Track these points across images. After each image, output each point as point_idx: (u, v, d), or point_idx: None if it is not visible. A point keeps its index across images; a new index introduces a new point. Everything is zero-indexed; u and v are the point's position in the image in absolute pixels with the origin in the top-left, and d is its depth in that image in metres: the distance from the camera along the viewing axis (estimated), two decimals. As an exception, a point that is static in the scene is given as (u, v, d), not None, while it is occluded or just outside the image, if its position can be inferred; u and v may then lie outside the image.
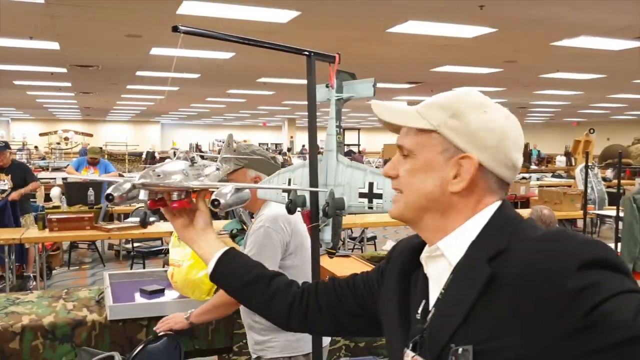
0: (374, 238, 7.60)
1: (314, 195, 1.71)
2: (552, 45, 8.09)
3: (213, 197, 1.21)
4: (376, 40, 7.83)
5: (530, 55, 9.15)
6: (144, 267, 6.78)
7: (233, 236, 3.59)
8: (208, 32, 1.45)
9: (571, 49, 8.28)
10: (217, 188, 1.24)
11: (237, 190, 1.28)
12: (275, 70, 11.19)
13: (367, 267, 3.40)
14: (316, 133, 1.77)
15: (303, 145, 28.71)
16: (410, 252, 1.10)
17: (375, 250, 7.42)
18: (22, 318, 2.75)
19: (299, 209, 1.79)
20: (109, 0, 5.86)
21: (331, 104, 1.81)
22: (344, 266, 3.38)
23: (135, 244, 7.28)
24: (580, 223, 9.10)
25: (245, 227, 3.58)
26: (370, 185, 1.65)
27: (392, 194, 1.09)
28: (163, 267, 5.73)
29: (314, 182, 1.71)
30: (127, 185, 1.16)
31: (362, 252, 6.16)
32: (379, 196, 1.64)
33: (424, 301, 1.01)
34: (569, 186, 9.56)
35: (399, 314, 1.06)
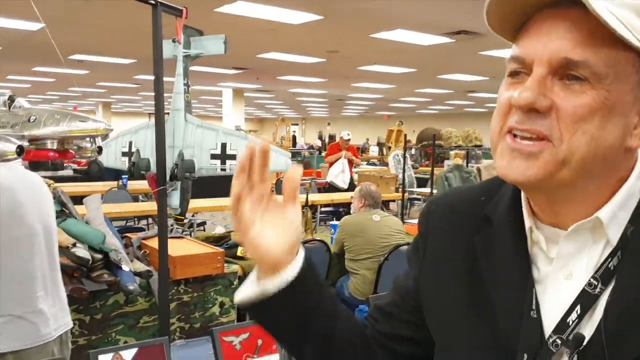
0: (203, 224, 7.45)
1: (161, 158, 1.58)
2: (372, 37, 8.60)
3: None
4: (202, 20, 7.59)
5: (351, 46, 9.63)
6: None
7: (51, 219, 3.25)
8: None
9: (388, 41, 8.89)
10: None
11: None
12: (90, 47, 10.31)
13: (204, 247, 3.28)
14: (163, 91, 1.63)
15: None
16: (468, 216, 0.81)
17: (205, 235, 7.26)
18: None
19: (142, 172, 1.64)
20: None
21: (178, 60, 1.68)
22: (180, 247, 3.22)
23: None
24: (392, 205, 9.91)
25: (64, 209, 3.29)
26: (223, 146, 1.55)
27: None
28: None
29: (161, 143, 1.58)
30: None
31: (191, 236, 5.98)
32: (233, 157, 1.56)
33: (534, 291, 0.72)
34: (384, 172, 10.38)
35: (472, 306, 0.77)
